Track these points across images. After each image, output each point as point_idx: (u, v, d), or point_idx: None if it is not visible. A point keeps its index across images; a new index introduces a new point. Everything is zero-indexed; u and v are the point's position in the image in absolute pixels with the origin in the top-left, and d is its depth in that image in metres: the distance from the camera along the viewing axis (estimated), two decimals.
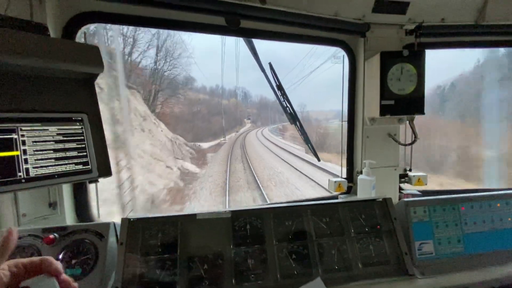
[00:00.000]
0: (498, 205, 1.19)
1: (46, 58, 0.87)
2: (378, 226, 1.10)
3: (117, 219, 1.07)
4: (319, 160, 1.78)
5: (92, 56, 0.98)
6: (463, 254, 1.12)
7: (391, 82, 1.42)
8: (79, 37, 1.24)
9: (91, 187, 1.33)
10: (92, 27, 1.35)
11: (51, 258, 0.52)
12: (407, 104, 1.43)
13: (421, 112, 1.45)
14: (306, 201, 1.23)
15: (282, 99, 1.60)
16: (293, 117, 1.66)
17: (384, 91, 1.42)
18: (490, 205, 1.18)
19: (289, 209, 1.08)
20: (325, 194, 2.20)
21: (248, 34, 1.42)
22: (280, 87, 1.57)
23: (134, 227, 0.97)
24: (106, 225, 0.98)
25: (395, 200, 1.22)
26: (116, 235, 1.02)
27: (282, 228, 1.05)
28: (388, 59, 1.41)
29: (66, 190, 1.21)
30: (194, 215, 1.01)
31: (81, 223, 0.99)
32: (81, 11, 1.22)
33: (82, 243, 0.94)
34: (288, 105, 1.60)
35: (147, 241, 0.96)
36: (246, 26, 1.37)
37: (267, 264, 0.98)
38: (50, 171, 0.88)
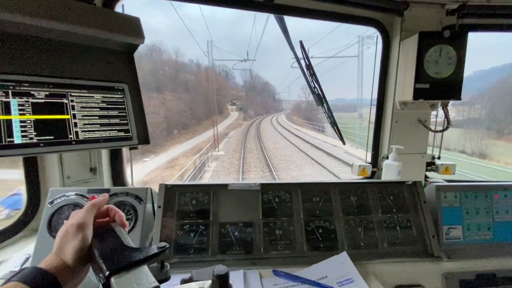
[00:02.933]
0: None
1: (93, 26, 0.91)
2: (406, 208, 1.10)
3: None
4: (344, 143, 1.77)
5: (134, 27, 1.01)
6: (492, 241, 1.10)
7: (428, 65, 1.36)
8: (118, 9, 1.26)
9: (125, 156, 1.40)
10: None
11: (117, 209, 0.62)
12: (443, 88, 1.38)
13: (458, 97, 1.39)
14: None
15: (310, 79, 1.58)
16: (320, 99, 1.64)
17: (420, 74, 1.37)
18: None
19: (317, 186, 1.10)
20: None
21: (281, 11, 1.40)
22: (309, 66, 1.55)
23: (170, 193, 1.03)
24: (144, 190, 1.04)
25: None
26: (152, 200, 1.09)
27: (309, 203, 1.07)
28: (426, 40, 1.35)
29: (105, 157, 1.29)
30: (226, 185, 1.06)
31: (122, 187, 1.06)
32: None
33: (123, 205, 1.01)
34: (316, 85, 1.58)
35: (182, 206, 1.02)
36: (280, 3, 1.35)
37: (294, 236, 1.02)
38: (96, 136, 0.94)
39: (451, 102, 1.47)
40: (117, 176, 1.34)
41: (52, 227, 0.96)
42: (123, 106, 1.03)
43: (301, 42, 1.52)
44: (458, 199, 1.11)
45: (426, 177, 1.74)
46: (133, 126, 1.03)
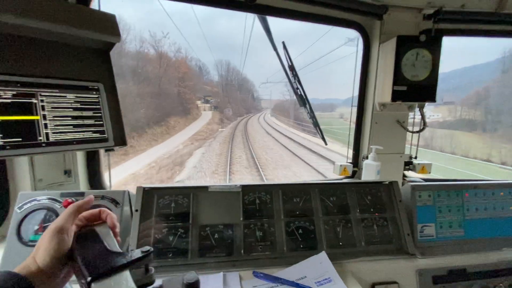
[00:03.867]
0: (502, 194, 1.21)
1: (65, 23, 0.87)
2: (383, 208, 1.13)
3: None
4: (326, 143, 1.80)
5: (109, 25, 0.98)
6: (463, 238, 1.15)
7: (405, 68, 1.40)
8: (94, 5, 1.22)
9: (102, 157, 1.36)
10: None
11: (109, 211, 0.62)
12: (419, 91, 1.42)
13: (433, 99, 1.44)
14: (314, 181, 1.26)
15: (293, 80, 1.59)
16: (303, 100, 1.65)
17: (398, 76, 1.41)
18: (494, 193, 1.21)
19: (298, 187, 1.11)
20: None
21: (264, 11, 1.40)
22: (292, 67, 1.56)
23: (148, 196, 1.00)
24: (121, 193, 1.01)
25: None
26: (130, 204, 1.06)
27: (290, 204, 1.08)
28: (404, 44, 1.39)
29: (80, 159, 1.24)
30: (206, 187, 1.04)
31: (98, 190, 1.02)
32: None
33: (98, 208, 0.98)
34: (299, 86, 1.59)
35: (161, 209, 1.00)
36: (262, 3, 1.35)
37: (274, 237, 1.02)
38: (69, 137, 0.90)
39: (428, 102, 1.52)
40: (94, 179, 1.30)
41: (22, 233, 0.92)
42: (99, 107, 0.99)
43: (283, 43, 1.52)
44: (431, 198, 1.16)
45: (404, 176, 1.80)
46: (109, 127, 1.00)
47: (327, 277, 0.92)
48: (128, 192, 1.05)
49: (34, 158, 1.10)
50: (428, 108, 1.56)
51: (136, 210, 0.97)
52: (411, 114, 1.66)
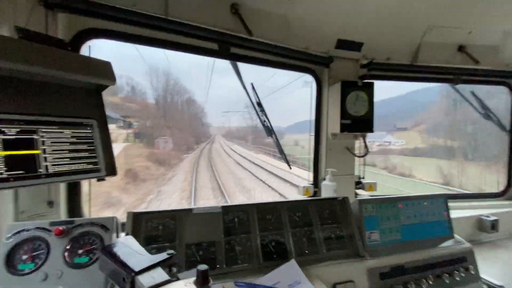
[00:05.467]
0: (425, 203, 1.56)
1: (69, 70, 1.01)
2: (339, 219, 1.38)
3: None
4: (290, 167, 2.05)
5: (106, 71, 1.13)
6: (400, 241, 1.44)
7: (349, 106, 1.77)
8: (84, 51, 1.36)
9: (84, 187, 1.41)
10: None
11: None
12: (360, 123, 1.79)
13: (371, 130, 1.81)
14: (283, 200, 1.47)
15: (261, 115, 1.85)
16: (269, 131, 1.92)
17: (343, 112, 1.76)
18: (420, 203, 1.54)
19: (270, 205, 1.31)
20: None
21: (236, 59, 1.67)
22: (259, 104, 1.83)
23: (137, 220, 1.11)
24: (111, 219, 1.10)
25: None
26: (117, 229, 1.14)
27: (264, 221, 1.26)
28: (346, 87, 1.77)
29: (62, 189, 1.29)
30: (190, 209, 1.18)
31: (88, 218, 1.09)
32: (87, 27, 1.35)
33: (88, 235, 1.05)
34: (266, 119, 1.86)
35: (150, 232, 1.10)
36: (235, 52, 1.63)
37: (252, 250, 1.18)
38: (66, 169, 1.00)
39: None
40: (74, 208, 1.34)
41: (11, 264, 0.94)
42: (92, 141, 1.10)
43: (252, 84, 1.80)
44: (374, 209, 1.44)
45: (356, 194, 2.12)
46: (101, 159, 1.11)
47: (297, 280, 1.10)
48: (116, 218, 1.14)
49: (18, 190, 1.13)
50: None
51: (127, 234, 1.06)
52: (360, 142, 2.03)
